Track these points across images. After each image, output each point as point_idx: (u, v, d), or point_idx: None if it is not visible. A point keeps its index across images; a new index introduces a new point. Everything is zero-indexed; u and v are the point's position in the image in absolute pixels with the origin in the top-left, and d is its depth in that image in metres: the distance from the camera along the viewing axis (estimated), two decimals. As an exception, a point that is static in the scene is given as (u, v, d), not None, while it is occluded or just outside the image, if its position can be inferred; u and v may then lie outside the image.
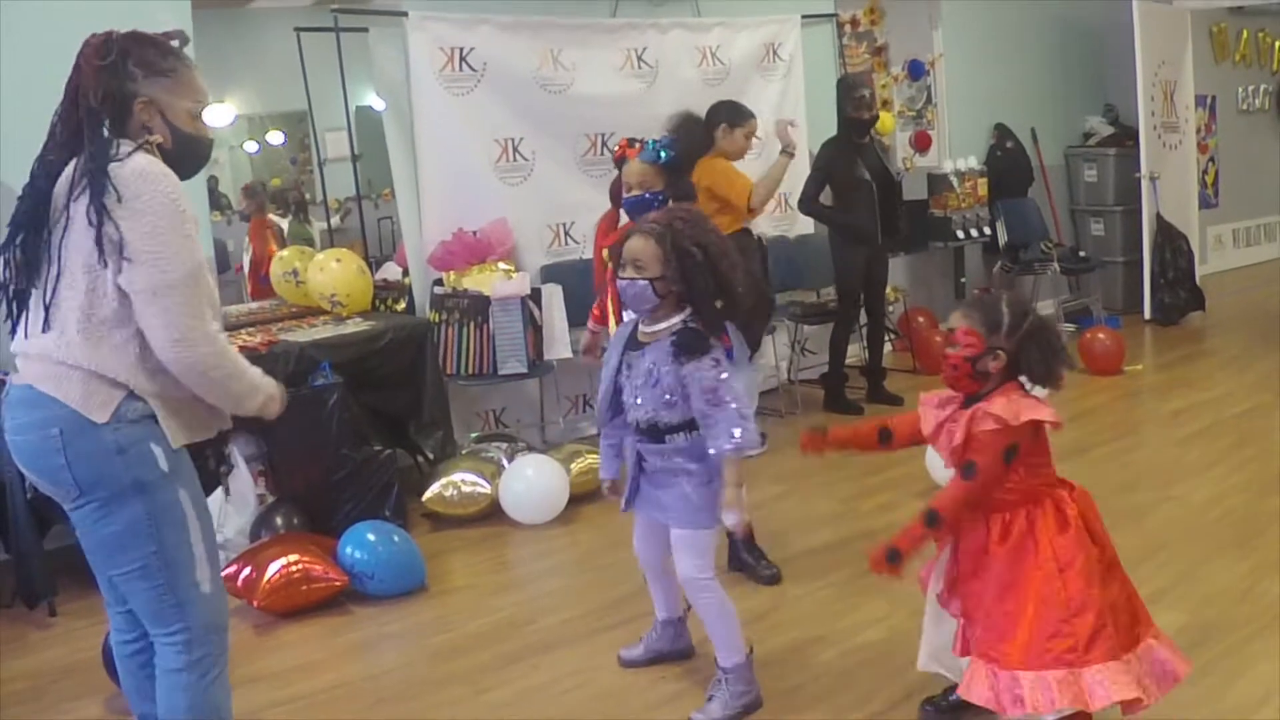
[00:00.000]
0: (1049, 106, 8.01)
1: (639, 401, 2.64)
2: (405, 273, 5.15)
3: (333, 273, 4.68)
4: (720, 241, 2.62)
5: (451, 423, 4.70)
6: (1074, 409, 5.41)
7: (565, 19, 5.30)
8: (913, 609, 2.79)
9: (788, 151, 4.74)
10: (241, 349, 3.25)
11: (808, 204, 5.61)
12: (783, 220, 6.09)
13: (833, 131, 5.74)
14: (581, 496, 4.46)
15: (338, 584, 3.59)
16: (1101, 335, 6.24)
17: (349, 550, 3.66)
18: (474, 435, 4.84)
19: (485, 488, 4.34)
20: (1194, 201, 8.09)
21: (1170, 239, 7.39)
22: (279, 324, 4.66)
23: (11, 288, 2.10)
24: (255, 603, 3.50)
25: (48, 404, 2.03)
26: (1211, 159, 9.12)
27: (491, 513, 4.35)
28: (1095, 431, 5.10)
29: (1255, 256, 9.67)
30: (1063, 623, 2.22)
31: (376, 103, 5.15)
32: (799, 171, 5.40)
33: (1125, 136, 7.83)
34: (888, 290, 6.01)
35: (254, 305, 5.15)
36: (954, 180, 6.78)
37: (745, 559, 3.63)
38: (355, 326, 4.54)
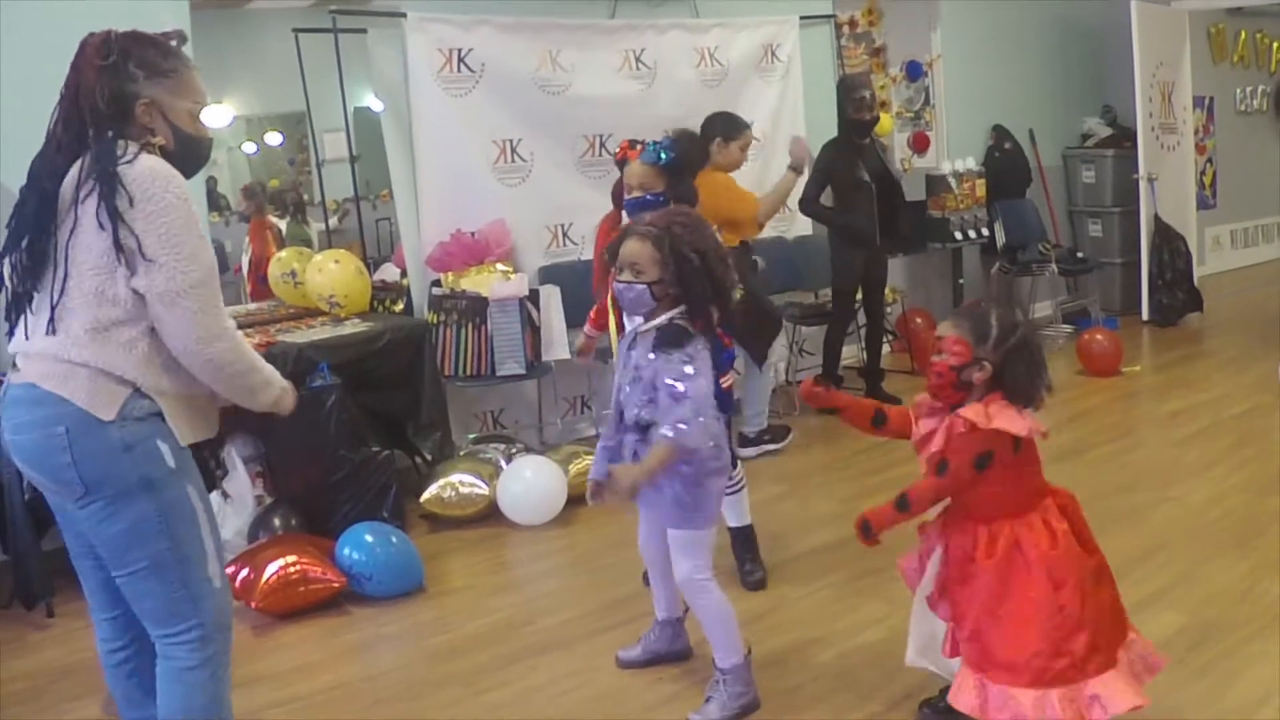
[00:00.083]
0: (1047, 107, 8.01)
1: (628, 398, 2.64)
2: (403, 274, 5.14)
3: (331, 274, 4.67)
4: (718, 247, 2.62)
5: (449, 424, 4.69)
6: (1072, 410, 5.42)
7: (564, 20, 5.29)
8: (911, 610, 2.78)
9: (795, 168, 4.73)
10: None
11: (808, 204, 5.61)
12: (781, 221, 6.09)
13: (831, 132, 5.75)
14: (579, 498, 4.41)
15: (336, 585, 3.59)
16: (1099, 336, 6.23)
17: (347, 551, 3.66)
18: (472, 436, 4.84)
19: (483, 489, 4.34)
20: (1192, 202, 8.09)
21: (1168, 240, 7.39)
22: (277, 325, 4.65)
23: (15, 290, 2.07)
24: (253, 604, 3.50)
25: (53, 402, 2.01)
26: (1209, 160, 9.12)
27: (489, 514, 4.35)
28: (1094, 432, 5.10)
29: (1253, 257, 9.68)
30: (1062, 641, 2.24)
31: (375, 104, 5.14)
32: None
33: (1123, 137, 7.84)
34: (886, 291, 6.02)
35: (253, 306, 5.14)
36: (952, 181, 6.77)
37: (735, 558, 3.56)
38: (353, 327, 4.53)
